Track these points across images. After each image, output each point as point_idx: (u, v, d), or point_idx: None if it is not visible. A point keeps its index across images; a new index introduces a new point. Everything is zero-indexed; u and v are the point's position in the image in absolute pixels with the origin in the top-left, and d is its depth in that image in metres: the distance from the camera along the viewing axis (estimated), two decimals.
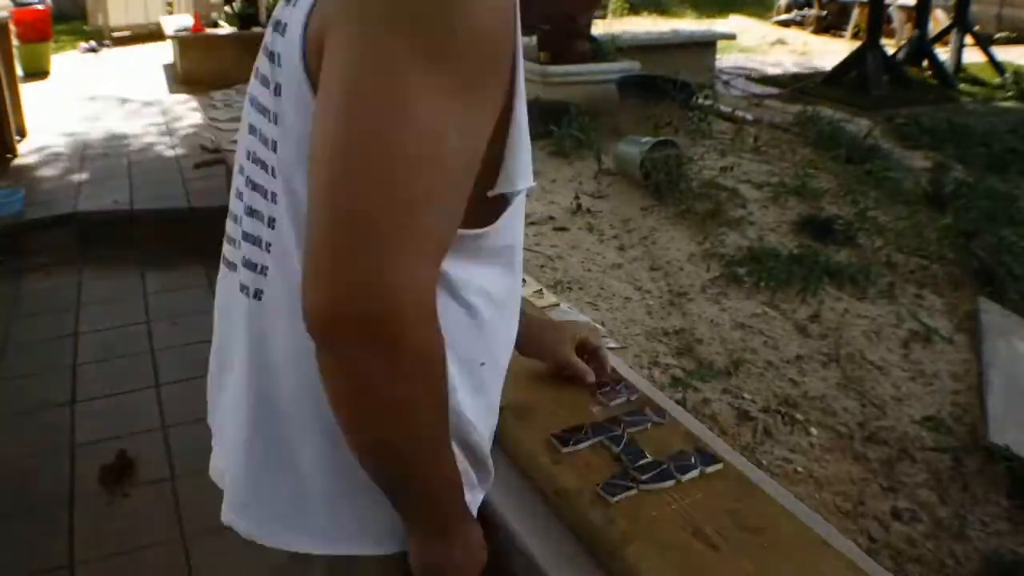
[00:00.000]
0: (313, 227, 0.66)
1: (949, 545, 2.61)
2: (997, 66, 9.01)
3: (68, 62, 9.30)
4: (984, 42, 9.34)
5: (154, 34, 9.88)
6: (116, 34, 10.53)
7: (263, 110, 0.82)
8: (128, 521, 2.38)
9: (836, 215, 4.59)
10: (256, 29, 8.99)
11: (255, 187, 0.85)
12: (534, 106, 4.61)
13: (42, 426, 2.86)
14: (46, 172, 5.30)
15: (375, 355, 0.66)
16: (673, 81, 5.99)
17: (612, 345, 1.84)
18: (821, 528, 1.03)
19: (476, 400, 0.87)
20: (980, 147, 6.12)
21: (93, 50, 10.03)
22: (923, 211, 4.86)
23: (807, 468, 2.82)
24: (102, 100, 7.34)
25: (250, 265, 0.85)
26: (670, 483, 1.07)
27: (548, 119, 5.48)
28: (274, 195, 0.81)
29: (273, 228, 0.82)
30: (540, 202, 4.50)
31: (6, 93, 5.48)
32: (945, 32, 9.55)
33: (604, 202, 4.59)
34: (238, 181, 0.90)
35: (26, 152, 5.70)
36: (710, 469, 1.10)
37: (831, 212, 4.65)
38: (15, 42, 6.44)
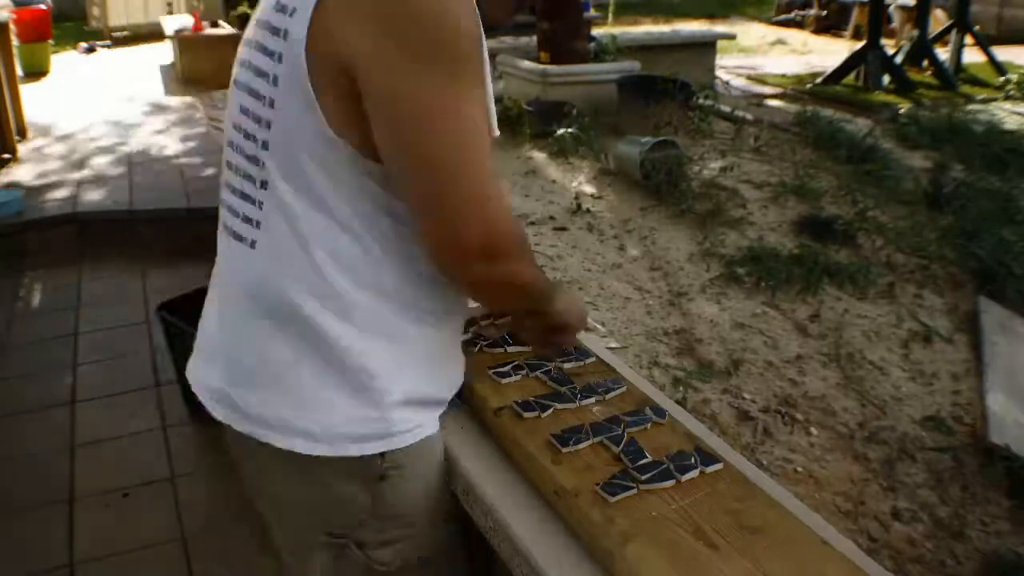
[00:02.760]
0: (435, 211, 0.98)
1: (949, 545, 2.61)
2: (997, 66, 9.01)
3: (68, 62, 9.31)
4: (984, 42, 9.33)
5: (154, 34, 9.88)
6: (116, 34, 10.53)
7: (256, 95, 1.05)
8: (128, 521, 2.38)
9: (836, 215, 4.59)
10: None
11: (248, 158, 1.07)
12: (534, 106, 4.57)
13: (42, 426, 2.86)
14: (46, 172, 5.30)
15: (507, 272, 1.05)
16: (673, 81, 5.99)
17: (612, 345, 1.84)
18: (821, 528, 1.03)
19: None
20: (980, 147, 6.11)
21: (92, 50, 10.04)
22: (923, 211, 4.86)
23: (807, 468, 2.82)
24: (102, 100, 7.34)
25: (246, 220, 1.08)
26: (670, 483, 1.07)
27: (548, 119, 5.47)
28: (263, 163, 1.05)
29: (265, 189, 1.05)
30: (540, 202, 4.50)
31: (6, 93, 5.48)
32: (945, 32, 9.55)
33: (604, 202, 4.59)
34: (228, 153, 1.13)
35: (26, 152, 5.70)
36: (710, 469, 1.10)
37: (831, 212, 4.65)
38: (15, 42, 6.44)
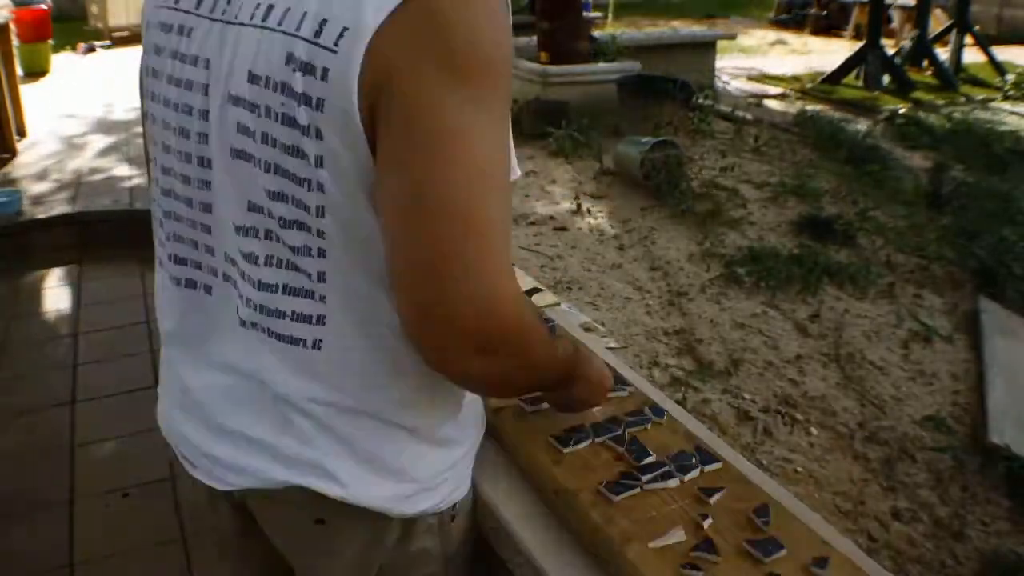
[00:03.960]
0: (427, 275, 0.76)
1: (949, 545, 2.61)
2: (997, 66, 9.01)
3: (68, 62, 9.31)
4: (984, 42, 9.34)
5: None
6: (116, 34, 10.54)
7: (290, 121, 0.80)
8: (128, 521, 2.38)
9: (836, 215, 4.59)
10: None
11: (285, 223, 0.84)
12: (534, 106, 4.57)
13: (42, 426, 2.86)
14: (46, 172, 5.30)
15: (512, 356, 0.82)
16: (673, 81, 5.99)
17: (612, 345, 1.84)
18: (821, 528, 1.03)
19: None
20: (980, 147, 6.12)
21: (92, 50, 10.04)
22: (923, 211, 4.87)
23: (807, 468, 2.82)
24: (102, 100, 7.34)
25: (298, 317, 0.88)
26: (674, 482, 1.07)
27: (548, 119, 5.47)
28: (321, 232, 0.83)
29: (324, 281, 0.85)
30: (540, 202, 4.50)
31: (6, 93, 5.48)
32: (945, 32, 9.56)
33: (604, 202, 4.59)
34: (238, 240, 0.89)
35: (26, 152, 5.70)
36: (709, 468, 1.10)
37: (831, 212, 4.65)
38: (15, 42, 6.43)
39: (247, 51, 0.81)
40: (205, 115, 0.86)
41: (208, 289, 0.95)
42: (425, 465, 0.96)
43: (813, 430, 3.01)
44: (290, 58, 0.78)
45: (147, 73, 0.95)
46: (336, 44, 0.76)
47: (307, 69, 0.77)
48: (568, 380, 1.04)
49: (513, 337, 0.80)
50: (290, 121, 0.79)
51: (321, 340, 0.88)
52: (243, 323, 0.91)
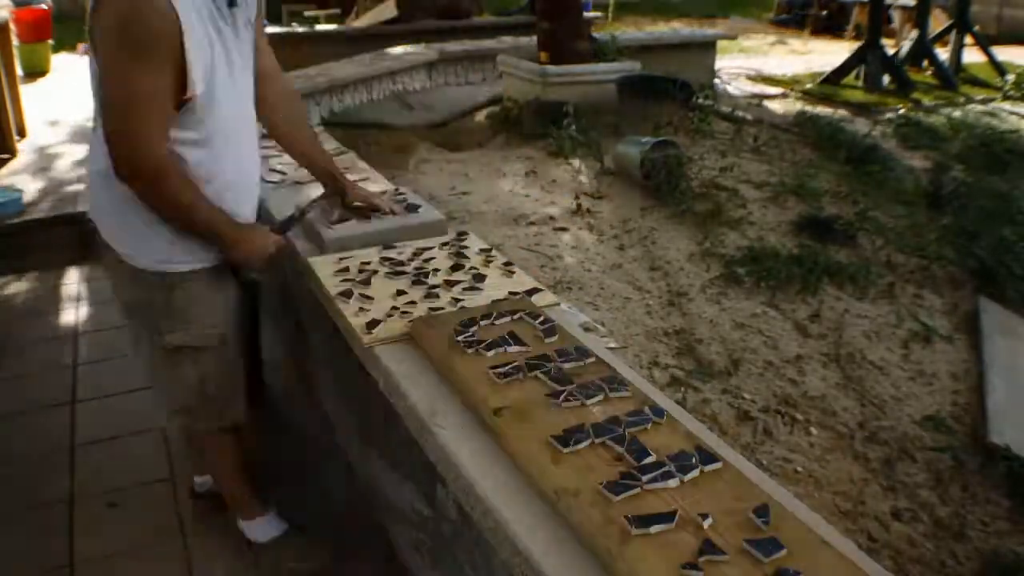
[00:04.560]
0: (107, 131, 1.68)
1: (949, 545, 2.61)
2: (997, 66, 9.01)
3: (68, 62, 9.31)
4: (984, 42, 9.34)
5: None
6: None
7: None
8: (128, 521, 2.38)
9: (836, 215, 4.59)
10: None
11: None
12: (534, 106, 4.55)
13: (42, 426, 2.86)
14: (46, 172, 5.30)
15: (145, 187, 1.71)
16: (673, 81, 5.98)
17: (612, 345, 1.83)
18: (821, 528, 1.03)
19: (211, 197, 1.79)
20: (980, 147, 6.12)
21: None
22: (923, 211, 4.87)
23: (807, 468, 2.82)
24: None
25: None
26: (674, 482, 1.07)
27: (548, 119, 5.47)
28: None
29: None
30: (540, 202, 4.50)
31: (6, 93, 5.48)
32: (945, 32, 9.55)
33: (604, 202, 4.59)
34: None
35: (26, 152, 5.70)
36: (709, 468, 1.11)
37: (831, 212, 4.65)
38: (15, 42, 6.44)
39: None
40: None
41: None
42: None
43: (813, 430, 3.01)
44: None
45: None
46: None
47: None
48: (218, 240, 1.81)
49: (153, 177, 1.68)
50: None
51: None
52: None
